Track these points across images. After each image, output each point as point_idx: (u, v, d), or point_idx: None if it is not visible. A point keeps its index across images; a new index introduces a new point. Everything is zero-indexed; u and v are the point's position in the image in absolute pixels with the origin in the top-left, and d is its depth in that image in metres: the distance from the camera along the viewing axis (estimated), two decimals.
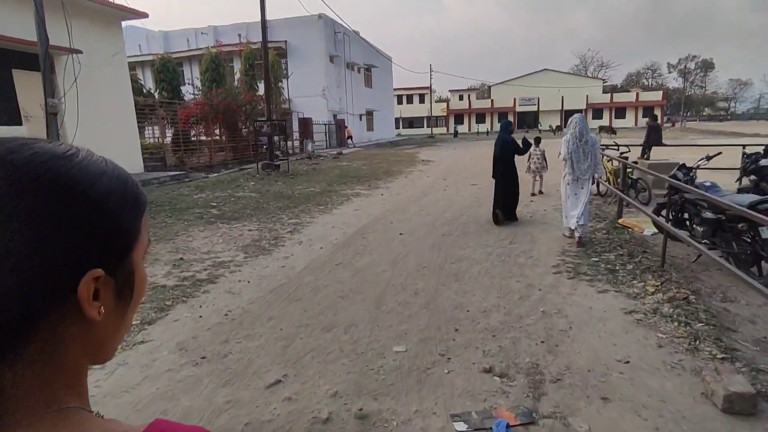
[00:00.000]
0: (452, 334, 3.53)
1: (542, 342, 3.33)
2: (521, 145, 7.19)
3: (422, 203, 9.02)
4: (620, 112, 58.24)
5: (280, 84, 22.96)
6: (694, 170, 5.21)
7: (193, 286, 4.56)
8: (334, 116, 31.41)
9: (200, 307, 4.09)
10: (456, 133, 53.44)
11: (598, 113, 58.64)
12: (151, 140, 16.14)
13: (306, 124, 25.74)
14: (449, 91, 72.14)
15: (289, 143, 23.49)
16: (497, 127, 56.36)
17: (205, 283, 4.66)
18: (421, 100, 65.80)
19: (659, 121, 10.24)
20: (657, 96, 58.66)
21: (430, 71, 52.60)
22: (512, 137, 7.22)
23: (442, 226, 7.03)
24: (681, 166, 5.21)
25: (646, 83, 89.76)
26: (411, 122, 66.82)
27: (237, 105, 17.47)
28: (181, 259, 5.42)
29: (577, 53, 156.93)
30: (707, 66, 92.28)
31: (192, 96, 18.98)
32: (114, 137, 11.53)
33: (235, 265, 5.25)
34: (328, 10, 34.61)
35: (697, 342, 3.17)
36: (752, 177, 5.86)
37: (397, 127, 63.00)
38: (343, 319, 3.82)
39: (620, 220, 6.47)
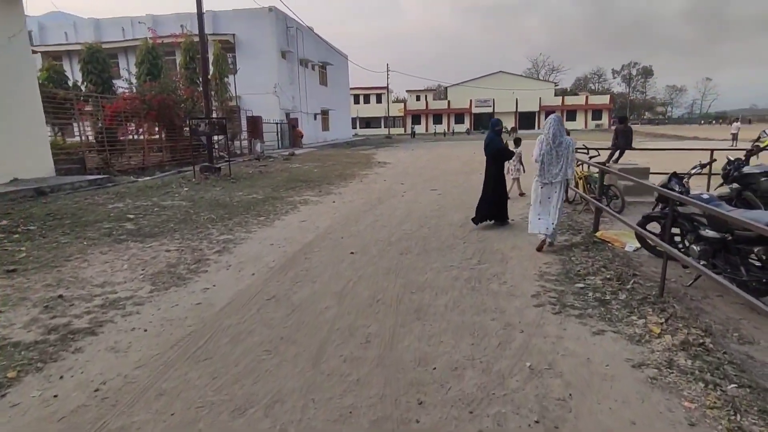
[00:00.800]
0: (415, 410, 2.57)
1: (537, 422, 2.43)
2: (511, 146, 6.70)
3: (377, 212, 8.05)
4: (571, 114, 60.17)
5: (226, 79, 21.28)
6: (687, 179, 4.58)
7: (62, 341, 3.33)
8: (287, 115, 29.91)
9: (60, 378, 2.89)
10: (413, 134, 53.11)
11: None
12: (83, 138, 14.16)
13: (255, 123, 24.18)
14: (406, 91, 71.87)
15: (237, 143, 21.89)
16: (454, 128, 56.98)
17: (82, 335, 3.44)
18: (379, 100, 65.11)
19: (619, 124, 9.77)
20: (605, 99, 61.08)
21: (387, 70, 51.98)
22: (499, 137, 6.65)
23: (399, 241, 6.09)
24: (673, 175, 4.56)
25: (593, 87, 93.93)
26: (368, 122, 65.99)
27: (173, 100, 15.76)
28: (60, 297, 4.13)
29: (529, 57, 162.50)
30: (647, 72, 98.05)
31: (122, 90, 17.03)
32: (10, 133, 9.72)
33: (135, 304, 4.04)
34: (280, 3, 32.77)
35: (738, 416, 2.38)
36: (734, 185, 5.33)
37: (354, 127, 61.94)
38: (265, 391, 2.76)
39: (598, 234, 5.79)
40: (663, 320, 3.42)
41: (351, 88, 55.19)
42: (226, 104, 21.07)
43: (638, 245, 5.28)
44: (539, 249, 5.39)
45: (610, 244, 5.54)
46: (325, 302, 4.08)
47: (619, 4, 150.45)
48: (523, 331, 3.47)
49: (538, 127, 59.77)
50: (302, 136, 28.99)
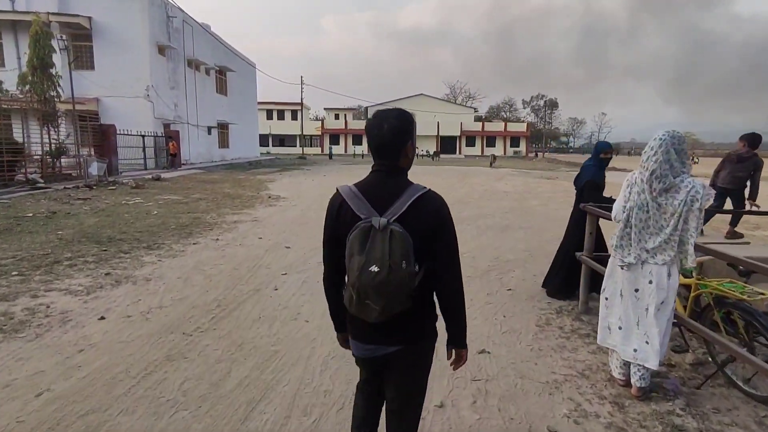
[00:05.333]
0: None
1: None
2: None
3: (178, 378, 2.94)
4: (491, 140, 59.75)
5: (53, 70, 14.77)
6: None
7: None
8: (167, 126, 23.49)
9: None
10: (331, 155, 48.37)
11: (471, 140, 59.30)
12: None
13: (106, 135, 17.68)
14: (324, 108, 67.11)
15: (66, 161, 15.36)
16: None
17: None
18: (294, 116, 59.80)
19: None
20: (522, 127, 61.71)
21: (301, 83, 46.95)
22: (599, 166, 4.21)
23: None
24: None
25: (505, 116, 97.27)
26: (282, 140, 60.12)
27: None
28: None
29: (447, 83, 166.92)
30: (552, 105, 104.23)
31: None
32: None
33: None
34: None
35: None
36: None
37: (266, 145, 55.77)
38: None
39: None
40: None
41: (263, 102, 49.20)
42: (50, 103, 14.56)
43: None
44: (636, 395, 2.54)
45: None
46: None
47: (517, 42, 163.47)
48: None
49: (460, 152, 58.22)
50: (175, 154, 22.62)
